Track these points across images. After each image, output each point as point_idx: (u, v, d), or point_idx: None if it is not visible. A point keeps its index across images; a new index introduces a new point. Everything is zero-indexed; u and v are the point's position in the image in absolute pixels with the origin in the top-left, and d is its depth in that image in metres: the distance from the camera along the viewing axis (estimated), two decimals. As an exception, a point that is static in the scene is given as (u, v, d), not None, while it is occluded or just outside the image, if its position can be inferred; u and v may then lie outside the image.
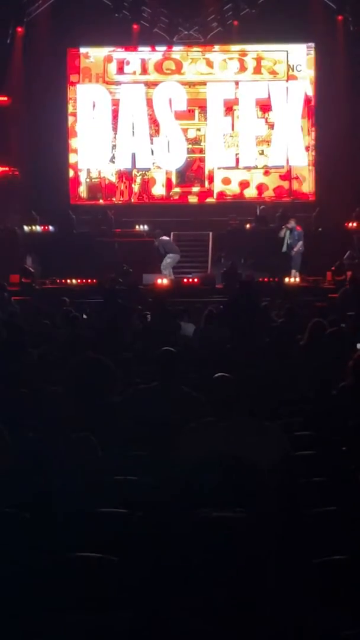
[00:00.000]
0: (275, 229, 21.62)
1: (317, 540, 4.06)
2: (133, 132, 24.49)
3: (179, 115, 24.49)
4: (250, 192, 24.81)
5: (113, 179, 25.06)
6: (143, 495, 4.71)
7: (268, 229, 22.23)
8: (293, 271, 20.55)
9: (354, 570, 3.64)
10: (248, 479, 4.57)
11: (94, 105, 24.65)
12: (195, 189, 24.99)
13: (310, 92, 24.49)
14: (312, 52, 24.41)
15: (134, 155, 24.62)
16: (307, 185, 24.66)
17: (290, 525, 4.19)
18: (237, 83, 24.56)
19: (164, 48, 24.97)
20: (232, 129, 24.63)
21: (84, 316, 13.70)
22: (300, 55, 24.52)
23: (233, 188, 24.85)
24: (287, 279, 20.06)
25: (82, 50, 24.83)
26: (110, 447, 5.34)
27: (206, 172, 24.93)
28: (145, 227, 23.45)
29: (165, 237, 21.41)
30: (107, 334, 10.29)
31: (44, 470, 4.77)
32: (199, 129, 24.82)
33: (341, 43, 23.87)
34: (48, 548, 3.83)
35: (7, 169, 23.83)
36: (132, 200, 25.01)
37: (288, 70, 24.54)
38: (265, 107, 24.47)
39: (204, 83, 24.68)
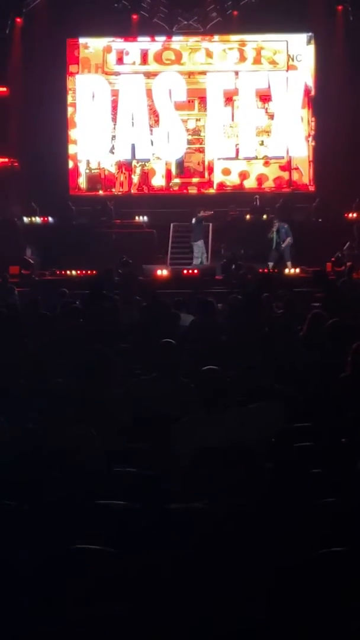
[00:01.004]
0: (267, 222, 21.67)
1: (317, 532, 4.06)
2: (133, 122, 24.45)
3: (178, 106, 24.44)
4: (250, 183, 24.78)
5: (113, 169, 25.03)
6: (143, 487, 4.71)
7: (262, 220, 22.16)
8: (289, 264, 20.62)
9: (353, 562, 3.64)
10: (243, 470, 4.58)
11: (93, 96, 24.60)
12: (195, 180, 24.95)
13: (310, 82, 24.45)
14: (312, 42, 24.35)
15: (133, 146, 24.58)
16: (307, 176, 24.62)
17: (287, 516, 4.19)
18: (236, 73, 24.51)
19: (163, 38, 24.91)
20: (232, 120, 24.58)
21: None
22: (300, 46, 24.47)
23: (233, 179, 24.82)
24: (287, 270, 20.07)
25: (81, 40, 24.77)
26: (109, 439, 5.34)
27: (206, 163, 24.89)
28: (145, 218, 23.44)
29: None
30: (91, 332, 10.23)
31: (43, 461, 4.78)
32: (198, 120, 24.78)
33: (341, 33, 23.82)
34: (47, 540, 3.84)
35: (6, 160, 23.80)
36: (132, 191, 24.99)
37: (288, 61, 24.49)
38: (265, 97, 24.42)
39: (203, 73, 24.64)
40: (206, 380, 5.27)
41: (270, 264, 20.72)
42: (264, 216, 21.74)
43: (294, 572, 3.59)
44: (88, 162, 25.09)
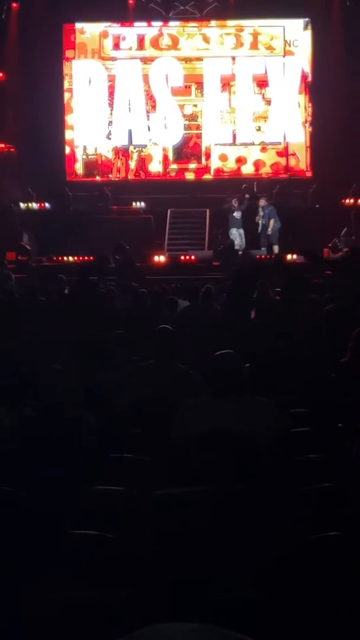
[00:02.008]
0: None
1: (312, 517, 4.08)
2: (129, 108, 24.40)
3: (175, 92, 24.38)
4: (247, 169, 24.75)
5: (109, 155, 25.00)
6: (140, 473, 4.73)
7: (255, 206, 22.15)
8: (276, 247, 20.70)
9: (348, 547, 3.66)
10: (243, 455, 4.60)
11: (89, 81, 24.54)
12: (192, 166, 24.92)
13: (307, 68, 24.41)
14: (309, 27, 24.29)
15: (130, 132, 24.54)
16: (304, 162, 24.60)
17: (285, 501, 4.21)
18: (233, 59, 24.46)
19: (160, 23, 24.84)
20: (229, 105, 24.54)
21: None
22: (297, 31, 24.42)
23: (230, 164, 24.79)
24: (286, 256, 20.08)
25: (78, 25, 24.70)
26: (106, 425, 5.36)
27: (203, 149, 24.85)
28: (142, 204, 23.42)
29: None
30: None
31: (41, 448, 4.79)
32: (195, 105, 24.73)
33: (337, 18, 23.74)
34: (45, 526, 3.85)
35: (2, 145, 23.74)
36: (129, 177, 24.95)
37: (285, 46, 24.44)
38: (262, 83, 24.38)
39: (200, 59, 24.58)
40: (216, 365, 5.26)
41: (264, 249, 20.83)
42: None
43: (289, 557, 3.61)
44: (85, 148, 25.06)
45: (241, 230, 21.29)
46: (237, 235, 21.25)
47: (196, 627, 1.97)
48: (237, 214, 21.19)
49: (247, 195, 22.43)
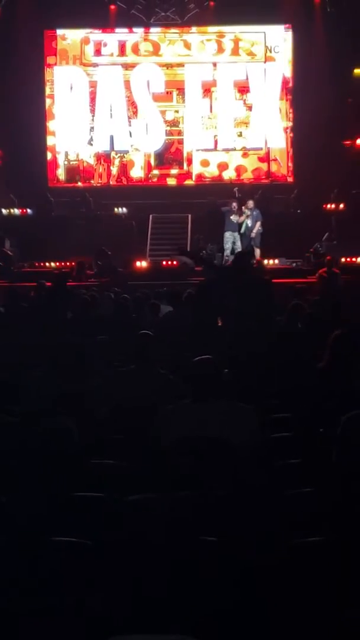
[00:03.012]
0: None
1: (293, 522, 4.07)
2: (111, 114, 24.40)
3: (157, 97, 24.40)
4: (229, 174, 24.79)
5: (91, 161, 24.99)
6: (119, 478, 4.71)
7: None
8: (257, 250, 20.74)
9: (329, 551, 3.66)
10: (223, 460, 4.59)
11: (71, 87, 24.54)
12: (174, 172, 24.93)
13: (288, 74, 24.48)
14: (290, 33, 24.36)
15: (112, 138, 24.55)
16: (285, 167, 24.66)
17: (265, 506, 4.20)
18: (214, 65, 24.51)
19: (141, 30, 24.86)
20: (210, 111, 24.58)
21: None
22: (278, 37, 24.50)
23: (212, 170, 24.82)
24: (266, 261, 20.14)
25: (59, 32, 24.71)
26: (87, 430, 5.34)
27: (185, 155, 24.87)
28: (124, 209, 23.41)
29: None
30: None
31: (20, 453, 4.76)
32: (177, 111, 24.76)
33: (318, 24, 23.83)
34: (24, 532, 3.83)
35: (-16, 152, 23.68)
36: (111, 182, 24.94)
37: (266, 52, 24.52)
38: (243, 88, 24.44)
39: (181, 65, 24.62)
40: (197, 370, 5.26)
41: (257, 251, 20.83)
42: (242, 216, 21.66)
43: (270, 562, 3.60)
44: (66, 154, 25.04)
45: (236, 234, 21.27)
46: (230, 239, 21.19)
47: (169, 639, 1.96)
48: (234, 217, 21.19)
49: (238, 195, 22.52)
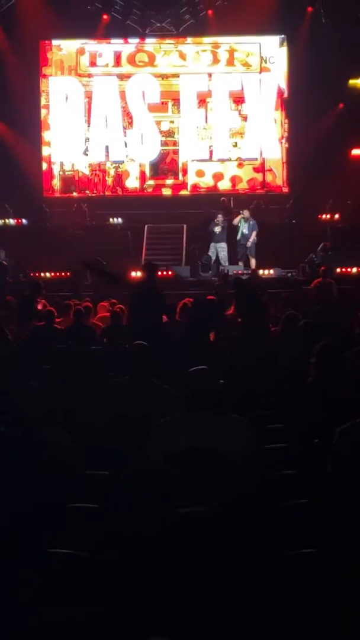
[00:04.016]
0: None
1: (288, 533, 4.07)
2: (106, 124, 24.44)
3: (152, 108, 24.45)
4: (224, 185, 24.83)
5: (86, 171, 25.00)
6: (114, 490, 4.71)
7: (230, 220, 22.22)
8: (253, 260, 20.80)
9: (324, 563, 3.66)
10: (218, 472, 4.59)
11: (66, 98, 24.58)
12: (169, 182, 24.97)
13: (283, 84, 24.54)
14: (285, 44, 24.44)
15: (107, 148, 24.59)
16: (281, 178, 24.71)
17: (260, 517, 4.21)
18: (210, 75, 24.57)
19: (136, 40, 24.91)
20: (206, 122, 24.63)
21: None
22: (273, 47, 24.57)
23: (207, 180, 24.86)
24: (260, 271, 20.14)
25: (54, 42, 24.76)
26: (82, 441, 5.34)
27: (180, 165, 24.91)
28: (119, 219, 23.42)
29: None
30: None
31: (15, 464, 4.76)
32: (172, 122, 24.80)
33: (313, 35, 23.87)
34: (17, 543, 3.83)
35: (-21, 162, 23.68)
36: (106, 193, 24.96)
37: (261, 62, 24.57)
38: (238, 99, 24.50)
39: (177, 75, 24.66)
40: (192, 380, 5.26)
41: (240, 264, 20.91)
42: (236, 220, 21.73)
43: (264, 574, 3.60)
44: (62, 164, 25.06)
45: (220, 245, 21.31)
46: (212, 250, 21.29)
47: None
48: (216, 229, 21.24)
49: (225, 204, 22.63)
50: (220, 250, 21.29)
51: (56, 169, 25.02)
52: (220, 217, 21.39)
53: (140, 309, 10.22)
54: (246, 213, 21.28)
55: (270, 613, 3.42)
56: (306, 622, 3.36)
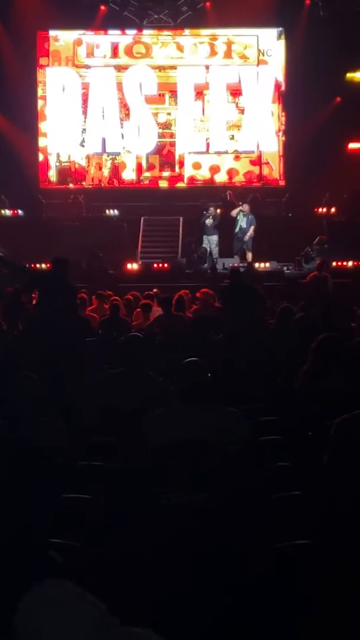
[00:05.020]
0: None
1: (281, 525, 4.07)
2: (103, 116, 24.40)
3: (149, 100, 24.41)
4: (221, 177, 24.80)
5: (83, 163, 24.96)
6: (107, 481, 4.71)
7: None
8: (249, 254, 20.81)
9: (317, 554, 3.66)
10: (212, 464, 4.59)
11: (63, 89, 24.52)
12: (166, 174, 24.94)
13: (281, 77, 24.51)
14: (283, 36, 24.41)
15: (104, 140, 24.54)
16: (277, 171, 24.69)
17: (253, 509, 4.20)
18: (207, 67, 24.53)
19: (134, 32, 24.86)
20: (203, 114, 24.60)
21: None
22: (270, 40, 24.54)
23: (203, 173, 24.83)
24: (256, 264, 20.15)
25: (52, 33, 24.70)
26: (76, 432, 5.33)
27: (177, 157, 24.88)
28: (116, 211, 23.40)
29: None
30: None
31: (10, 454, 4.76)
32: (169, 114, 24.76)
33: (311, 28, 23.83)
34: (11, 533, 3.82)
35: (-25, 153, 23.63)
36: (102, 184, 24.92)
37: (258, 55, 24.55)
38: (235, 91, 24.47)
39: (174, 67, 24.62)
40: (186, 372, 5.26)
41: (236, 258, 20.90)
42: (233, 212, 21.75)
43: (258, 566, 3.60)
44: (58, 155, 25.02)
45: (211, 238, 21.30)
46: (207, 243, 21.31)
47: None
48: (207, 221, 21.24)
49: (229, 199, 22.65)
50: (211, 242, 21.27)
51: (52, 160, 24.97)
52: (211, 210, 21.36)
53: (47, 300, 10.44)
54: (246, 207, 21.24)
55: (264, 604, 3.41)
56: (299, 615, 3.36)
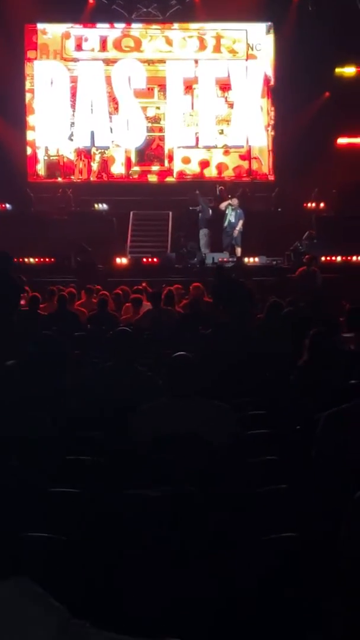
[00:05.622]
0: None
1: (268, 518, 4.07)
2: (92, 109, 24.34)
3: (138, 94, 24.36)
4: (210, 172, 24.78)
5: (71, 156, 24.90)
6: (95, 475, 4.70)
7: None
8: (238, 249, 20.85)
9: (303, 547, 3.66)
10: (200, 458, 4.58)
11: (51, 82, 24.45)
12: (155, 168, 24.90)
13: (270, 72, 24.50)
14: (272, 31, 24.38)
15: (92, 133, 24.47)
16: (267, 165, 24.69)
17: (240, 502, 4.20)
18: (196, 61, 24.49)
19: (122, 25, 24.79)
20: (192, 108, 24.56)
21: None
22: (259, 35, 24.53)
23: (193, 167, 24.81)
24: (246, 259, 20.17)
25: (40, 26, 24.62)
26: (63, 426, 5.31)
27: (166, 151, 24.84)
28: (105, 205, 23.35)
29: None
30: None
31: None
32: (158, 108, 24.72)
33: (300, 22, 23.81)
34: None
35: None
36: (91, 178, 24.86)
37: (247, 50, 24.53)
38: (224, 86, 24.45)
39: (163, 61, 24.57)
40: (174, 366, 5.25)
41: (226, 253, 20.93)
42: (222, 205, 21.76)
43: (245, 559, 3.60)
44: (47, 149, 24.95)
45: (203, 230, 21.33)
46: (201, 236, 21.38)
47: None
48: (200, 215, 21.31)
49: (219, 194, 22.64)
50: (201, 236, 21.29)
51: (41, 154, 24.91)
52: (235, 200, 21.44)
53: None
54: (235, 202, 21.27)
55: (250, 597, 3.41)
56: (285, 607, 3.36)
